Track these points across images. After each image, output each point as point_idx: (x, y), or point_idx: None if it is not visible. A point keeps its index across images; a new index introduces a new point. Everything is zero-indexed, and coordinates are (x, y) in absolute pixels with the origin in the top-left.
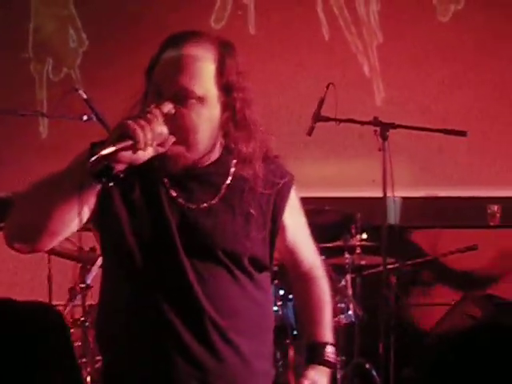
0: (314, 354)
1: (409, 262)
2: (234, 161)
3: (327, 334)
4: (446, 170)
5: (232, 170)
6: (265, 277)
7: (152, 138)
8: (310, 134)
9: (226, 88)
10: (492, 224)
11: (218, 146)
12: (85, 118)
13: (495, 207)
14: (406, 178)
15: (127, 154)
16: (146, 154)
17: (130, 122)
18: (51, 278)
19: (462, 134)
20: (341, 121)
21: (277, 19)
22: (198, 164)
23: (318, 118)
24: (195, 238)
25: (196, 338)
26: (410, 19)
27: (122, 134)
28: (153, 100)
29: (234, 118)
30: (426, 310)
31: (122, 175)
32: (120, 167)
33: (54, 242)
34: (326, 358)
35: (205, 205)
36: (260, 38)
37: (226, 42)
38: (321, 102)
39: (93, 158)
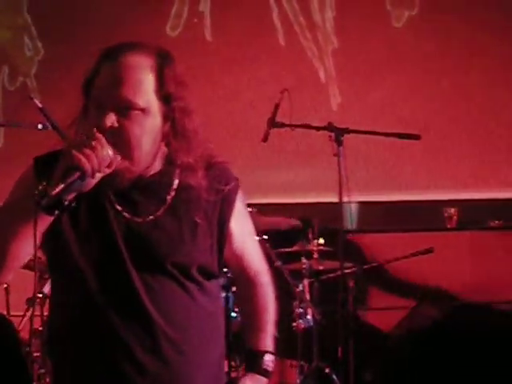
0: (252, 363)
1: (366, 266)
2: (177, 171)
3: (267, 343)
4: (401, 174)
5: (175, 180)
6: (214, 285)
7: (99, 164)
8: (265, 139)
9: (166, 98)
10: (449, 227)
11: (160, 156)
12: (40, 126)
13: (452, 210)
14: (362, 182)
15: (76, 185)
16: (92, 181)
17: (75, 152)
18: (9, 289)
19: (416, 137)
20: (296, 126)
21: (233, 26)
22: (142, 176)
23: (273, 123)
24: (142, 251)
25: (147, 349)
26: (364, 25)
27: (69, 167)
28: (94, 115)
29: (174, 128)
30: (384, 314)
31: (73, 204)
32: (70, 197)
33: (10, 276)
34: (264, 367)
35: (151, 217)
36: (216, 44)
37: (164, 51)
38: (276, 108)
39: (43, 202)
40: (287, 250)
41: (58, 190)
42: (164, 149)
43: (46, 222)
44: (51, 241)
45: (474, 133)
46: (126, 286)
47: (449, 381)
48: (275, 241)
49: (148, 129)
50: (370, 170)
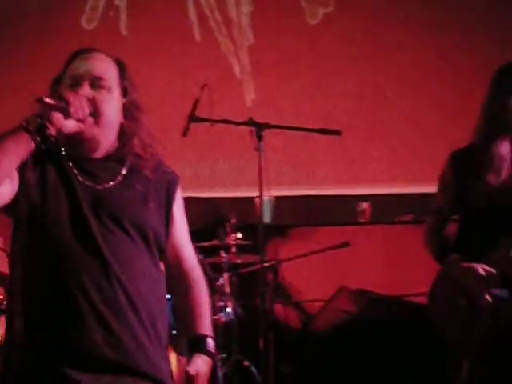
0: (197, 345)
1: (284, 260)
2: (131, 151)
3: (208, 328)
4: (318, 169)
5: (129, 158)
6: (162, 266)
7: (81, 108)
8: (184, 134)
9: (124, 90)
10: (362, 221)
11: (117, 137)
12: None
13: (365, 205)
14: (277, 177)
15: (59, 117)
16: (70, 125)
17: (66, 91)
18: None
19: (337, 133)
20: (216, 121)
21: (149, 20)
22: (101, 154)
23: (192, 118)
24: (103, 210)
25: (104, 299)
26: (280, 21)
27: (60, 97)
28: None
29: (127, 117)
30: (302, 306)
31: (52, 139)
32: (52, 131)
33: None
34: (208, 349)
35: (109, 185)
36: (132, 39)
37: (119, 59)
38: (195, 103)
39: (37, 99)
40: (206, 244)
41: (48, 100)
42: (119, 133)
43: (26, 147)
44: (21, 199)
45: (385, 130)
46: (90, 242)
47: (365, 370)
48: (194, 234)
49: (112, 107)
50: (284, 165)
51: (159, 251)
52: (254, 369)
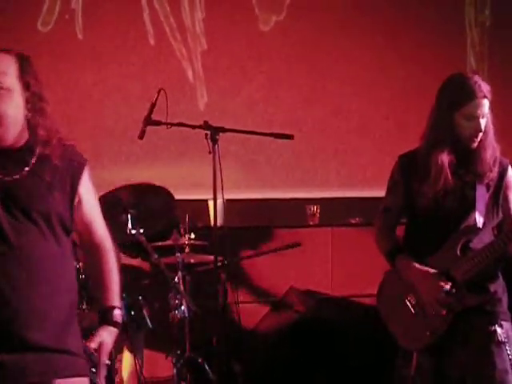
0: (104, 317)
1: (236, 260)
2: (38, 142)
3: (116, 299)
4: (269, 173)
5: (37, 149)
6: (69, 244)
7: None
8: (141, 137)
9: (27, 85)
10: (311, 223)
11: (24, 130)
12: None
13: (314, 207)
14: (229, 180)
15: None
16: None
17: None
18: None
19: (289, 137)
20: (172, 125)
21: (104, 24)
22: (9, 146)
23: (148, 121)
24: (13, 203)
25: (7, 279)
26: (233, 27)
27: None
28: None
29: (33, 109)
30: (253, 306)
31: None
32: None
33: None
34: (115, 320)
35: (17, 176)
36: (87, 42)
37: (22, 53)
38: (151, 107)
39: None
40: (160, 244)
41: None
42: (27, 126)
43: None
44: None
45: (337, 134)
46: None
47: (314, 368)
48: (151, 236)
49: (13, 107)
50: (236, 169)
51: (65, 232)
52: (206, 366)
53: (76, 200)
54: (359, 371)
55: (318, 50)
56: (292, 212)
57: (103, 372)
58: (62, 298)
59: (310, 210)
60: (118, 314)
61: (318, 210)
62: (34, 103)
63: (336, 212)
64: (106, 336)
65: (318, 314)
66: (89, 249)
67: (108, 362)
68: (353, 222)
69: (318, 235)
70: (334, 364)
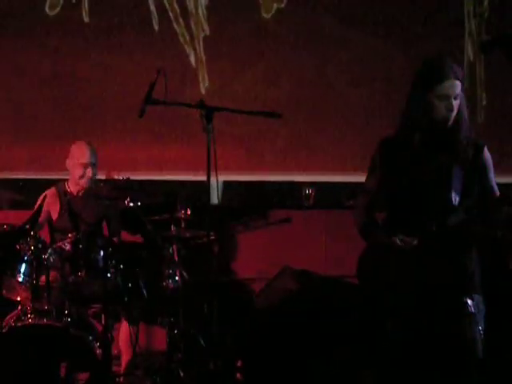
0: None
1: (230, 235)
2: None
3: None
4: (266, 156)
5: None
6: None
7: None
8: (141, 115)
9: None
10: (307, 205)
11: None
12: None
13: (310, 190)
14: (228, 162)
15: None
16: None
17: None
18: None
19: (276, 115)
20: (169, 104)
21: (109, 9)
22: None
23: (148, 100)
24: None
25: None
26: (235, 14)
27: None
28: None
29: None
30: (248, 283)
31: None
32: None
33: None
34: None
35: None
36: (93, 26)
37: None
38: (152, 86)
39: None
40: (158, 217)
41: None
42: None
43: None
44: None
45: (334, 120)
46: None
47: (307, 345)
48: (150, 210)
49: None
50: (236, 151)
51: None
52: (199, 336)
53: None
54: (350, 347)
55: (319, 36)
56: (288, 194)
57: None
58: None
59: (306, 192)
60: None
61: (313, 193)
62: None
63: (330, 195)
64: None
65: (311, 292)
66: None
67: None
68: (347, 204)
69: (312, 217)
70: (326, 341)
